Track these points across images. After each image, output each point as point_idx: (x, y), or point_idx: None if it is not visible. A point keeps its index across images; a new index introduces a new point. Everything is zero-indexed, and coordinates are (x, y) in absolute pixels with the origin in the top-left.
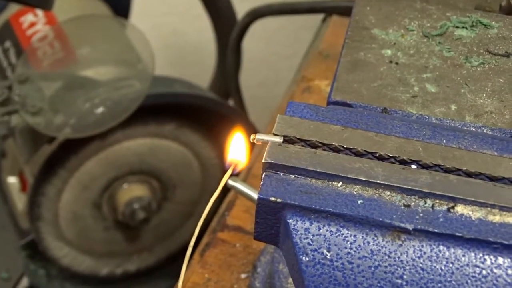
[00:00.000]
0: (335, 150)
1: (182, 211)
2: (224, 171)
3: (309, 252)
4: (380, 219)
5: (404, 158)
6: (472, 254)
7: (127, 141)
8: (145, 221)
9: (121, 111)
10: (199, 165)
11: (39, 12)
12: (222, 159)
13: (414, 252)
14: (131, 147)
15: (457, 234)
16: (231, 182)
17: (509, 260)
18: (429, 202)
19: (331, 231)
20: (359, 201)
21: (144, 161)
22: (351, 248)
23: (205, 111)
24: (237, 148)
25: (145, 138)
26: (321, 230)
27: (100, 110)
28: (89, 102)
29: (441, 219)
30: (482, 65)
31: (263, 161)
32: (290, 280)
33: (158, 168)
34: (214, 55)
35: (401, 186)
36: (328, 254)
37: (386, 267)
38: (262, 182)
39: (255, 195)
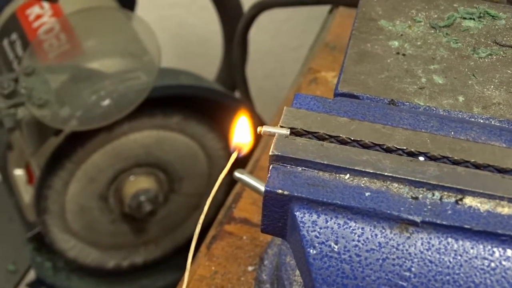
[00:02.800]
0: (342, 142)
1: (188, 203)
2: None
3: (317, 244)
4: (388, 211)
5: (412, 150)
6: (481, 246)
7: (133, 133)
8: (151, 213)
9: (127, 103)
10: (206, 157)
11: (46, 5)
12: (228, 150)
13: (422, 244)
14: (138, 139)
15: (466, 226)
16: (238, 174)
17: None
18: (437, 194)
19: (338, 223)
20: (367, 194)
21: (150, 153)
22: (358, 241)
23: (211, 103)
24: (241, 132)
25: (152, 130)
26: (328, 223)
27: (106, 102)
28: (95, 95)
29: (449, 211)
30: (489, 56)
31: (270, 153)
32: (297, 272)
33: (165, 160)
34: (221, 47)
35: (409, 178)
36: (336, 247)
37: (394, 259)
38: (269, 175)
39: (262, 188)
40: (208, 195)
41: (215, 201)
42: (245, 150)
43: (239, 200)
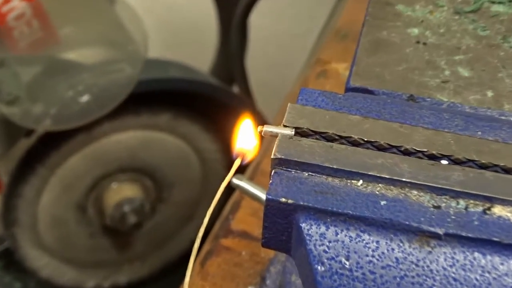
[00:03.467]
0: (355, 143)
1: (179, 214)
2: (228, 167)
3: (325, 260)
4: (407, 222)
5: (434, 152)
6: None
7: (116, 133)
8: (137, 226)
9: (109, 99)
10: (199, 160)
11: None
12: (225, 153)
13: (445, 260)
14: (121, 141)
15: (494, 239)
16: (236, 181)
17: None
18: (462, 202)
19: (350, 236)
20: (382, 202)
21: (135, 156)
22: (373, 256)
23: (205, 99)
24: (245, 136)
25: (137, 130)
26: (338, 236)
27: (85, 98)
28: (73, 89)
29: (476, 222)
30: None
31: (272, 156)
32: None
33: (152, 165)
34: (216, 33)
35: (430, 184)
36: (347, 263)
37: (413, 277)
38: (271, 181)
39: (263, 196)
40: (202, 205)
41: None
42: (250, 156)
43: (237, 210)
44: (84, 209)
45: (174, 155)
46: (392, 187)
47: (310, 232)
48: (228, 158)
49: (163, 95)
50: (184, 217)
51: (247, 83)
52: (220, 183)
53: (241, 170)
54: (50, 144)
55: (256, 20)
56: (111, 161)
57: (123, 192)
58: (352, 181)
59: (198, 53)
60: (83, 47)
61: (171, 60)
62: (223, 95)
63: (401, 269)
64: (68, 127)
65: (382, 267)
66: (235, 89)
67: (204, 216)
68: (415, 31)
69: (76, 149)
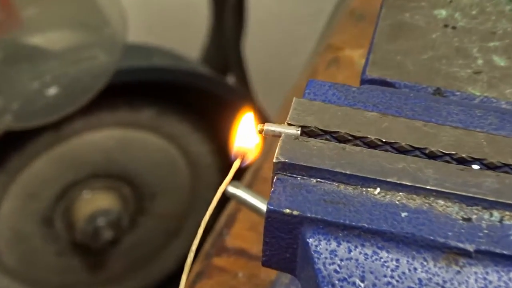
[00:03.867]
0: (371, 145)
1: (164, 229)
2: (222, 172)
3: (337, 282)
4: (431, 237)
5: (463, 155)
6: None
7: (89, 132)
8: (113, 242)
9: (81, 91)
10: (187, 165)
11: None
12: (219, 157)
13: (476, 281)
14: (95, 141)
15: None
16: (231, 189)
17: None
18: (496, 214)
19: (365, 254)
20: (403, 214)
21: (112, 160)
22: (392, 277)
23: (195, 92)
24: (246, 132)
25: (114, 128)
26: (352, 253)
27: (52, 90)
28: (38, 80)
29: None
30: None
31: (274, 160)
32: None
33: (132, 170)
34: (207, 14)
35: (459, 193)
36: (362, 285)
37: None
38: (273, 188)
39: (263, 206)
40: (191, 218)
41: (200, 223)
42: (251, 157)
43: (233, 224)
44: (50, 223)
45: (158, 158)
46: (414, 196)
47: (318, 248)
48: (222, 162)
49: (145, 87)
50: (169, 232)
51: (245, 73)
52: (212, 192)
53: (237, 176)
54: (11, 145)
55: None
56: (83, 165)
57: (97, 202)
58: (368, 189)
59: (187, 38)
60: (50, 30)
61: (154, 45)
62: (216, 87)
63: None
64: (32, 124)
65: None
66: (231, 80)
67: (193, 231)
68: (443, 12)
69: (42, 151)
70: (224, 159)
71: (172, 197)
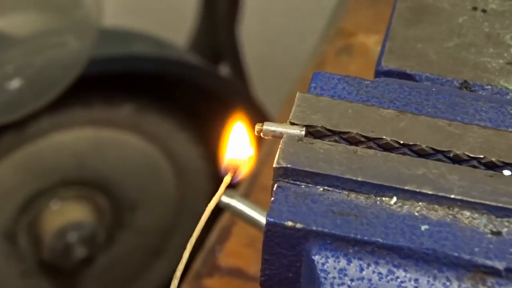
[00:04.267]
0: (387, 147)
1: (145, 246)
2: (213, 179)
3: None
4: (456, 254)
5: (493, 159)
6: None
7: (58, 132)
8: (86, 261)
9: (49, 84)
10: (173, 170)
11: None
12: (209, 161)
13: None
14: (65, 143)
15: None
16: (225, 199)
17: None
18: None
19: (379, 273)
20: (423, 227)
21: (85, 164)
22: None
23: (181, 85)
24: (238, 143)
25: (87, 127)
26: (364, 272)
27: (15, 83)
28: None
29: None
30: None
31: (274, 165)
32: None
33: (108, 176)
34: None
35: (487, 203)
36: None
37: None
38: (273, 198)
39: (262, 218)
40: (176, 232)
41: (187, 239)
42: (244, 170)
43: (227, 239)
44: (13, 239)
45: (139, 162)
46: (436, 206)
47: (325, 267)
48: (213, 166)
49: (124, 79)
50: (151, 249)
51: (240, 62)
52: (202, 202)
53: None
54: None
55: None
56: (51, 170)
57: (67, 215)
58: (383, 198)
59: (173, 21)
60: (11, 13)
61: (134, 30)
62: (207, 78)
63: None
64: None
65: None
66: (224, 71)
67: (179, 248)
68: None
69: (3, 155)
70: (215, 163)
71: (155, 208)
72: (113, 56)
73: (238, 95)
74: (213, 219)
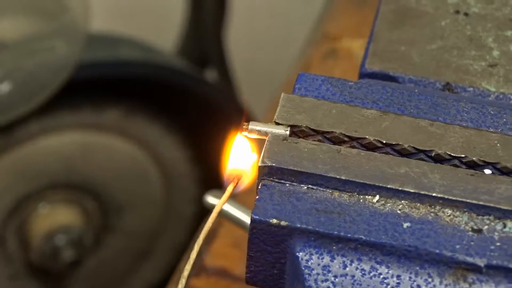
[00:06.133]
0: (370, 147)
1: (133, 249)
2: (200, 182)
3: None
4: (437, 251)
5: (474, 159)
6: None
7: (46, 136)
8: (74, 264)
9: (37, 88)
10: (160, 174)
11: None
12: (196, 164)
13: None
14: (53, 147)
15: None
16: (211, 200)
17: None
18: (510, 225)
19: (363, 269)
20: (405, 225)
21: (73, 168)
22: None
23: (169, 89)
24: (240, 153)
25: (75, 131)
26: (347, 269)
27: (4, 87)
28: None
29: None
30: None
31: (259, 163)
32: None
33: (96, 180)
34: None
35: (468, 201)
36: None
37: None
38: (258, 196)
39: (247, 219)
40: (164, 235)
41: (174, 242)
42: (247, 180)
43: (213, 240)
44: (1, 241)
45: (126, 166)
46: (418, 204)
47: (309, 263)
48: (200, 170)
49: (111, 83)
50: (138, 252)
51: (227, 67)
52: (189, 206)
53: (217, 185)
54: None
55: None
56: (39, 174)
57: (55, 218)
58: (366, 196)
59: (160, 26)
60: (1, 17)
61: (122, 35)
62: (194, 83)
63: None
64: None
65: None
66: (210, 75)
67: (166, 251)
68: None
69: None
70: (202, 167)
71: (143, 212)
72: (101, 60)
73: (225, 99)
74: (199, 220)
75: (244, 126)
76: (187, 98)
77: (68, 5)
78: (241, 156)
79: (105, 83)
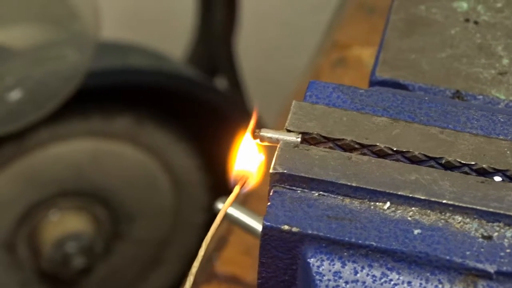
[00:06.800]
0: (380, 154)
1: (143, 256)
2: (210, 190)
3: None
4: (447, 257)
5: (484, 166)
6: None
7: (56, 144)
8: (85, 271)
9: (47, 96)
10: (171, 181)
11: None
12: (206, 172)
13: None
14: (63, 154)
15: None
16: (221, 206)
17: None
18: None
19: (373, 275)
20: (416, 231)
21: (83, 175)
22: None
23: (179, 97)
24: (247, 154)
25: (86, 139)
26: (358, 275)
27: (14, 95)
28: None
29: None
30: None
31: (271, 170)
32: None
33: (106, 187)
34: (193, 6)
35: (478, 208)
36: None
37: None
38: (269, 202)
39: (259, 226)
40: (174, 243)
41: (184, 250)
42: (254, 181)
43: (224, 247)
44: (12, 249)
45: (136, 174)
46: (429, 211)
47: (321, 269)
48: (210, 178)
49: (121, 91)
50: (149, 260)
51: (237, 74)
52: (199, 214)
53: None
54: None
55: None
56: (50, 182)
57: (65, 225)
58: (377, 203)
59: (169, 34)
60: (11, 25)
61: (132, 43)
62: (204, 91)
63: None
64: None
65: None
66: (220, 83)
67: (176, 259)
68: (464, 5)
69: (2, 166)
70: (213, 175)
71: (153, 219)
72: (111, 68)
73: (235, 107)
74: (209, 227)
75: (255, 133)
76: (197, 106)
77: (79, 14)
78: (247, 157)
79: (115, 91)
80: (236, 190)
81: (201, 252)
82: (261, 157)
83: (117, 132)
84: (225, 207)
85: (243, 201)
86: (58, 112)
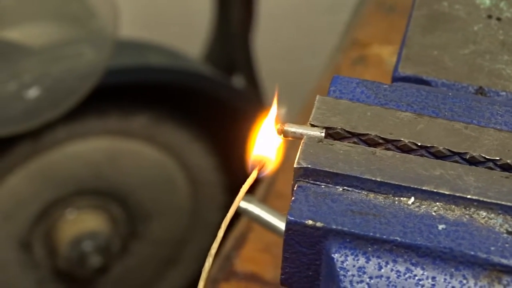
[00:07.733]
0: (405, 149)
1: (159, 256)
2: (228, 190)
3: None
4: (472, 252)
5: (508, 161)
6: None
7: (74, 142)
8: (101, 270)
9: (65, 94)
10: (187, 180)
11: None
12: (224, 172)
13: None
14: (80, 153)
15: None
16: (243, 204)
17: None
18: None
19: (398, 271)
20: (441, 226)
21: (100, 174)
22: None
23: (196, 96)
24: (265, 140)
25: (103, 138)
26: (383, 270)
27: (32, 92)
28: (16, 81)
29: None
30: None
31: (295, 165)
32: None
33: (123, 186)
34: (211, 5)
35: (503, 203)
36: None
37: None
38: (293, 197)
39: (279, 223)
40: (190, 242)
41: (201, 250)
42: (270, 166)
43: (243, 245)
44: (29, 248)
45: (153, 172)
46: (453, 206)
47: (345, 265)
48: (227, 177)
49: (139, 89)
50: (165, 259)
51: (255, 73)
52: (216, 213)
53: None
54: None
55: None
56: (67, 180)
57: (82, 224)
58: (401, 198)
59: (187, 32)
60: (29, 23)
61: (149, 42)
62: (221, 90)
63: None
64: (7, 132)
65: None
66: (238, 82)
67: (193, 258)
68: (486, 1)
69: (19, 164)
70: (230, 174)
71: (170, 219)
72: (129, 67)
73: (252, 106)
74: (229, 225)
75: (279, 128)
76: (214, 104)
77: (97, 12)
78: (265, 143)
79: (133, 89)
80: (253, 175)
81: (220, 233)
82: (278, 142)
83: (134, 130)
84: (244, 188)
85: (263, 198)
86: (75, 110)
